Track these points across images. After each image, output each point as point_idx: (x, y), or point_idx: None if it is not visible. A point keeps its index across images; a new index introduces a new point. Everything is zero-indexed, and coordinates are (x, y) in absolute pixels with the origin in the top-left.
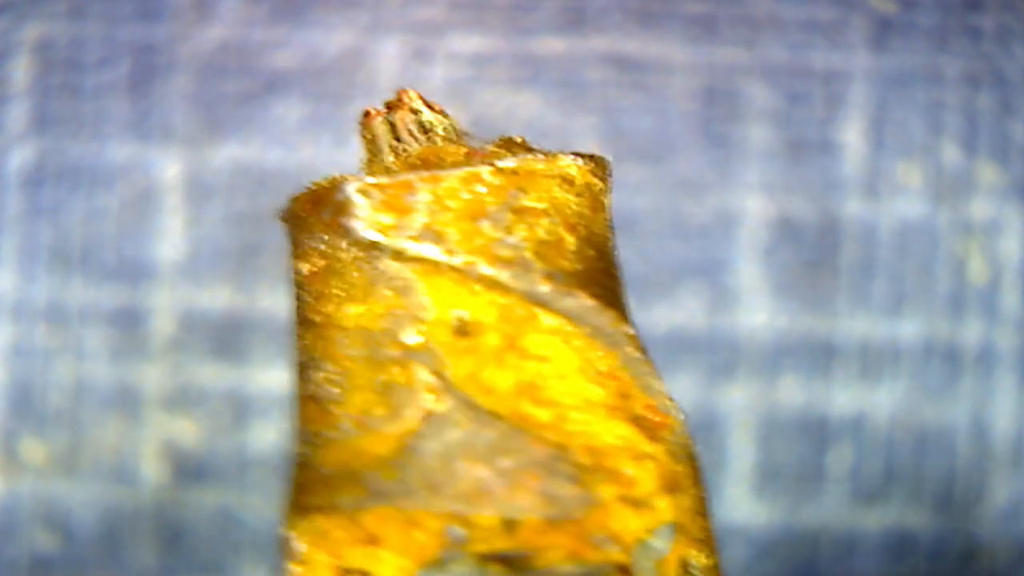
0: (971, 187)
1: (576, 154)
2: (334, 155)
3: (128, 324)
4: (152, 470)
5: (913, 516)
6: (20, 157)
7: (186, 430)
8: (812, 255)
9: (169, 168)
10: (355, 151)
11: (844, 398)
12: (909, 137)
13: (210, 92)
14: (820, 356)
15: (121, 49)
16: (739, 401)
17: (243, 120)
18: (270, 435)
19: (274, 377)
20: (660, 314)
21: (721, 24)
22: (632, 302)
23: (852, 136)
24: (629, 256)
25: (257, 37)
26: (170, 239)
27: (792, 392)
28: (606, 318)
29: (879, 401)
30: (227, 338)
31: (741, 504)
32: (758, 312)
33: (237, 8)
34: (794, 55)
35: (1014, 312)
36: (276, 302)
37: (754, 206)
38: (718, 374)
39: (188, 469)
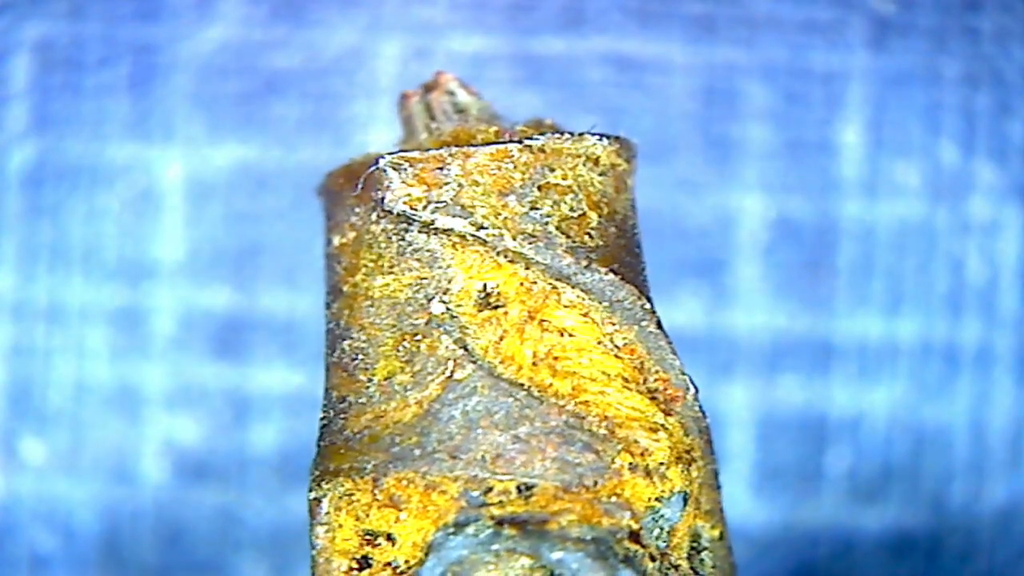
0: (969, 187)
1: (602, 135)
2: (334, 155)
3: (128, 324)
4: (152, 470)
5: (911, 515)
6: (20, 157)
7: (186, 430)
8: (811, 255)
9: (169, 168)
10: (355, 151)
11: (843, 397)
12: (907, 137)
13: (210, 92)
14: (819, 356)
15: (121, 49)
16: (738, 400)
17: (243, 120)
18: (270, 435)
19: (274, 377)
20: (659, 313)
21: (721, 24)
22: None
23: (851, 136)
24: None
25: (257, 37)
26: (170, 239)
27: (791, 391)
28: (625, 293)
29: (877, 400)
30: (227, 338)
31: (739, 503)
32: (757, 312)
33: (237, 8)
34: (793, 55)
35: (1012, 312)
36: (276, 302)
37: (753, 206)
38: (717, 373)
39: (188, 469)
